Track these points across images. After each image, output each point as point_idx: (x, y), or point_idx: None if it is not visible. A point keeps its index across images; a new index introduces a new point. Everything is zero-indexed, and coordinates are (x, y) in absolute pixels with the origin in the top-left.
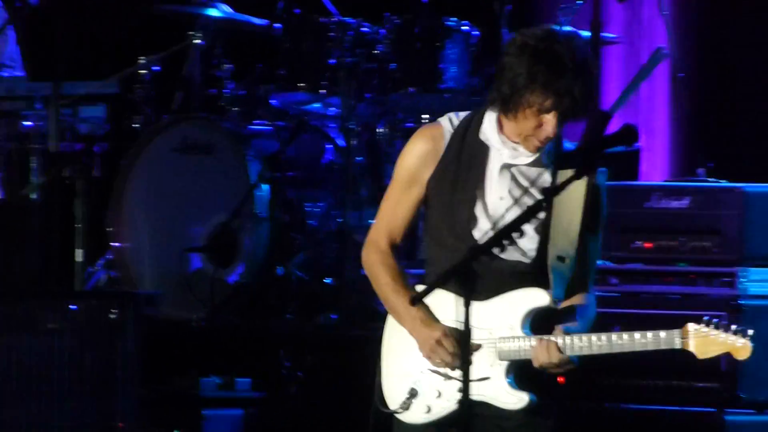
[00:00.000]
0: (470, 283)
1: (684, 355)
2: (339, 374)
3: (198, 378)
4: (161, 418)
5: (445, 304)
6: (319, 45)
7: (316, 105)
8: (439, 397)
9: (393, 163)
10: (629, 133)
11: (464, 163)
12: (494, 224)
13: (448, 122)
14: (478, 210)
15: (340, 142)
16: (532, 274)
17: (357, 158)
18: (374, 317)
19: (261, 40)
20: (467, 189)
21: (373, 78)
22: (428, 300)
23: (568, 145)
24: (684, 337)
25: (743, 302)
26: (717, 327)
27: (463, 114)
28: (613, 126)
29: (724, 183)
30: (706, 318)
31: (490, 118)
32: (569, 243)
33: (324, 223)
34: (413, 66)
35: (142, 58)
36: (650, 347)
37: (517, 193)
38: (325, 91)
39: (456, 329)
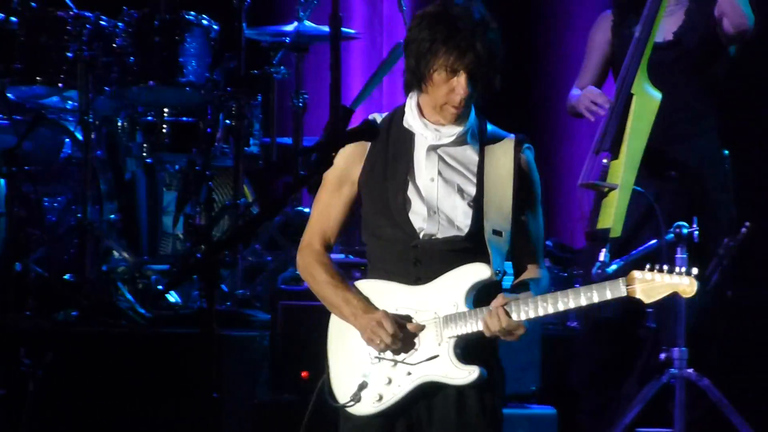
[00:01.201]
0: (215, 277)
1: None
2: (79, 371)
3: None
4: None
5: (385, 293)
6: (57, 38)
7: (54, 99)
8: (389, 383)
9: (133, 157)
10: (370, 129)
11: (392, 153)
12: (429, 206)
13: (371, 120)
14: (411, 193)
15: (79, 135)
16: (471, 249)
17: (96, 152)
18: (115, 314)
19: None
20: (398, 176)
21: (112, 71)
22: (368, 290)
23: (491, 127)
24: (629, 284)
25: None
26: (660, 271)
27: (386, 113)
28: (355, 121)
29: None
30: (648, 265)
31: (411, 106)
32: (503, 218)
33: (63, 218)
34: (152, 59)
35: None
36: (597, 300)
37: (448, 173)
38: (63, 84)
39: (397, 314)
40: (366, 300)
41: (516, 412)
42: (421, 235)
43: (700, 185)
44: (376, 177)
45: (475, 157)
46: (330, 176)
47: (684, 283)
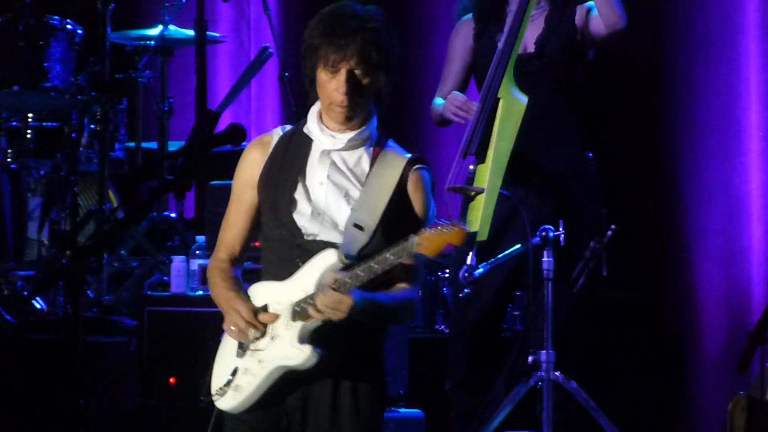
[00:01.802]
0: (81, 283)
1: None
2: None
3: None
4: None
5: (260, 293)
6: None
7: None
8: (246, 373)
9: None
10: (236, 133)
11: (289, 157)
12: (314, 208)
13: (279, 128)
14: (299, 194)
15: None
16: None
17: None
18: None
19: None
20: (289, 177)
21: None
22: (252, 293)
23: (394, 144)
24: (419, 242)
25: None
26: (444, 226)
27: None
28: (221, 125)
29: None
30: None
31: (312, 112)
32: (370, 215)
33: None
34: (17, 64)
35: None
36: (395, 259)
37: (336, 177)
38: None
39: (262, 306)
40: (248, 300)
41: (384, 415)
42: (304, 235)
43: (565, 189)
44: (272, 179)
45: (368, 166)
46: (235, 186)
47: (453, 232)
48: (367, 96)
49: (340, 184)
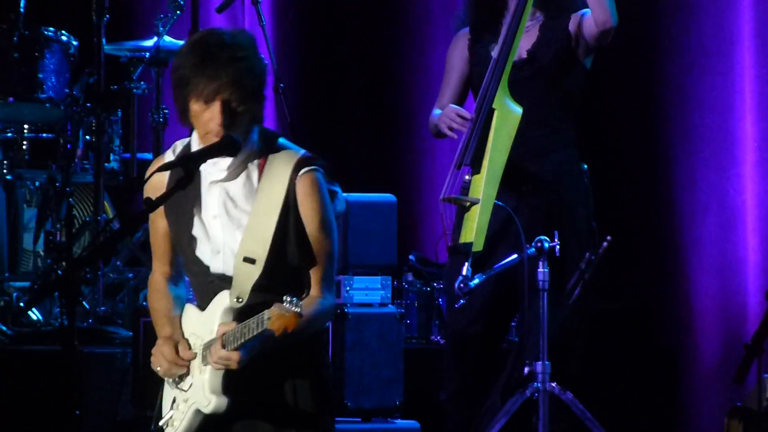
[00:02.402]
0: (76, 294)
1: None
2: None
3: None
4: None
5: (187, 319)
6: None
7: None
8: (178, 409)
9: None
10: (230, 144)
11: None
12: (214, 245)
13: (171, 151)
14: (198, 231)
15: None
16: (265, 283)
17: None
18: None
19: None
20: (185, 212)
21: None
22: (184, 315)
23: (284, 141)
24: (270, 316)
25: (348, 310)
26: (288, 308)
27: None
28: None
29: None
30: (287, 298)
31: (195, 138)
32: (260, 244)
33: None
34: (12, 75)
35: None
36: (260, 329)
37: (229, 208)
38: None
39: (186, 341)
40: (176, 327)
41: (380, 426)
42: (212, 273)
43: (559, 199)
44: (172, 214)
45: (253, 188)
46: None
47: (290, 316)
48: (243, 122)
49: (233, 215)
